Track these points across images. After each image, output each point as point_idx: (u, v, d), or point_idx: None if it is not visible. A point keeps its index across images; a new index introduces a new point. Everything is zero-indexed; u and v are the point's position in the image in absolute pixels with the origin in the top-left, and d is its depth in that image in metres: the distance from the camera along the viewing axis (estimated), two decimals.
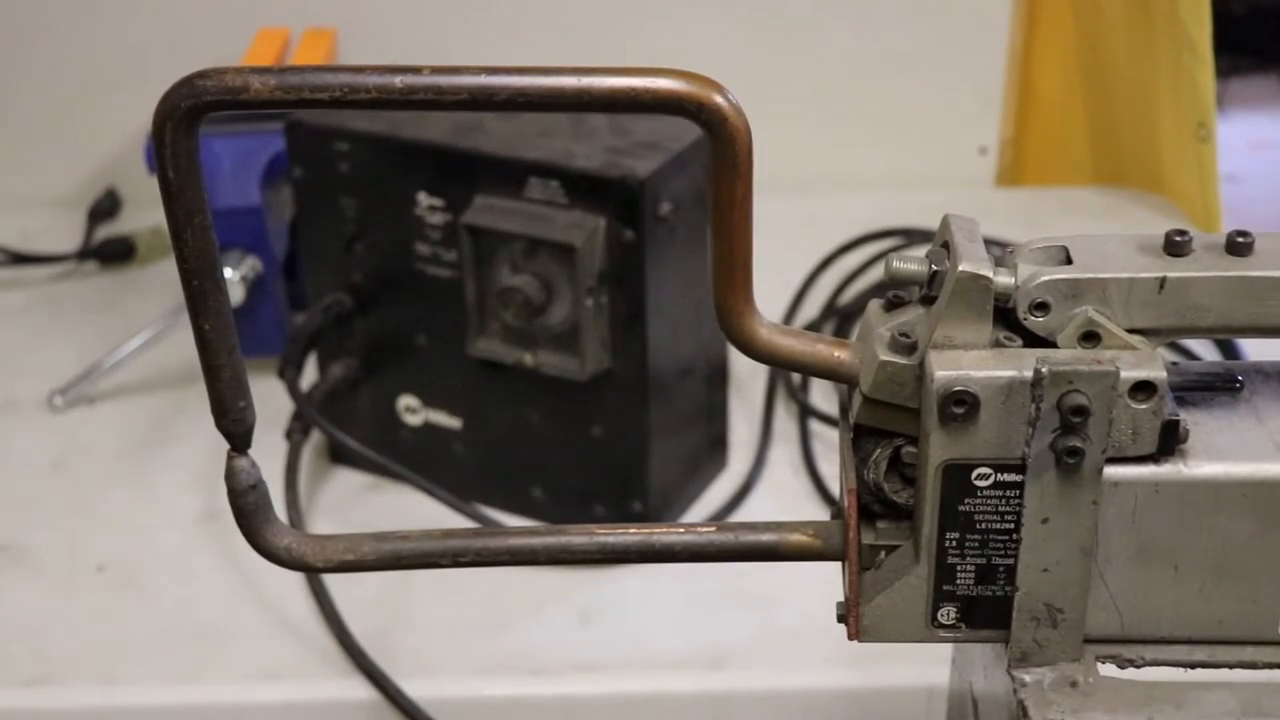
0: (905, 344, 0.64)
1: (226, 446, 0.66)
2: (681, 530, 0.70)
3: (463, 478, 1.25)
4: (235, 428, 0.65)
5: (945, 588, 0.67)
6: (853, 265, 1.60)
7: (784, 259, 1.58)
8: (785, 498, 1.28)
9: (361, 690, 1.08)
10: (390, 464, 1.22)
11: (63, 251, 1.67)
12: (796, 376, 1.40)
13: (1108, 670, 0.67)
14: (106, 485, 1.32)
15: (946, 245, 0.66)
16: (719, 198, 0.60)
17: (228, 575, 1.20)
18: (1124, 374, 0.62)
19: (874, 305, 0.68)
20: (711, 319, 0.64)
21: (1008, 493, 0.64)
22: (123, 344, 1.44)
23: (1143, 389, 0.62)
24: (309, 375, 1.27)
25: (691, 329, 1.20)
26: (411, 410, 1.26)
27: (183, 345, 1.40)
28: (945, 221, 0.67)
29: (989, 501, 0.65)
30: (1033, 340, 0.64)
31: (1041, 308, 0.64)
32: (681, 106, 0.57)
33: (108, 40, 1.74)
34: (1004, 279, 0.64)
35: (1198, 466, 0.64)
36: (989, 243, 0.65)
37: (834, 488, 1.27)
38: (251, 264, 1.39)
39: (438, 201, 1.16)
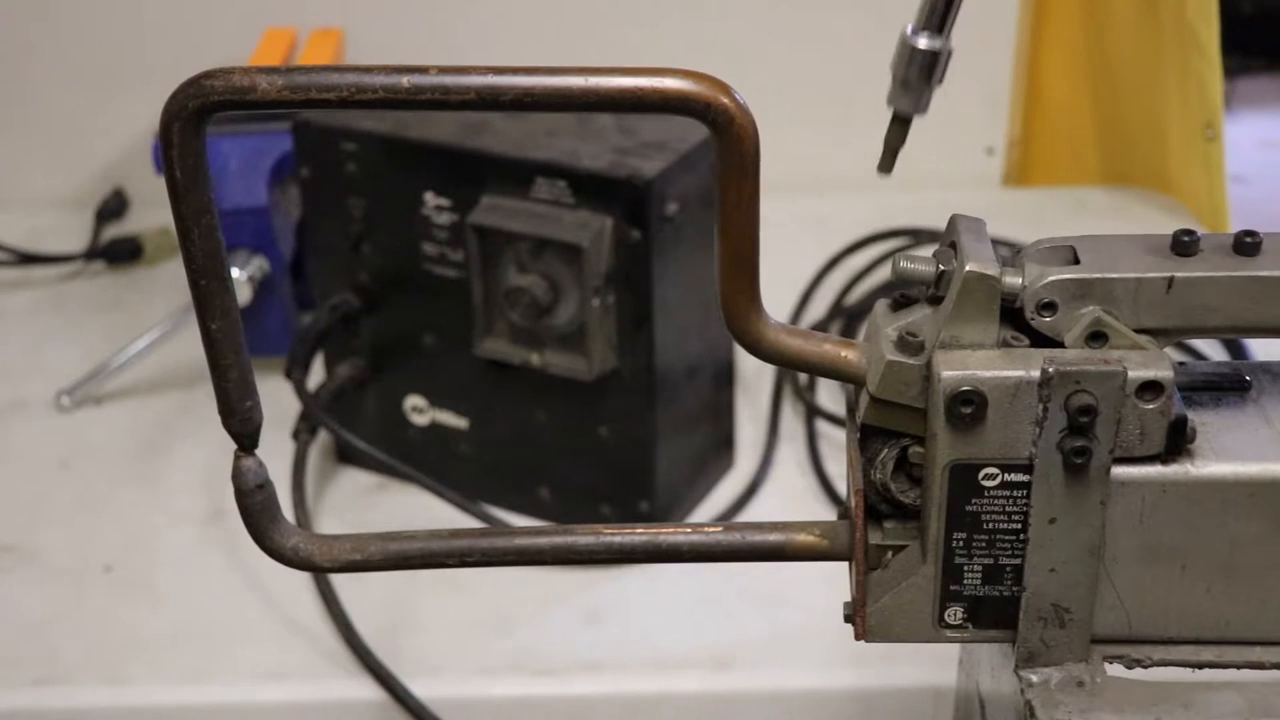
0: (912, 344, 0.64)
1: (233, 446, 0.66)
2: (688, 530, 0.70)
3: (469, 478, 1.25)
4: (242, 427, 0.65)
5: (952, 588, 0.67)
6: (860, 265, 1.60)
7: (791, 259, 1.58)
8: (792, 498, 1.28)
9: (368, 690, 1.08)
10: (397, 464, 1.22)
11: (70, 251, 1.67)
12: (803, 376, 1.39)
13: (1115, 670, 0.67)
14: (114, 485, 1.32)
15: (954, 245, 0.66)
16: (726, 198, 0.60)
17: (235, 575, 1.20)
18: (1131, 374, 0.62)
19: (881, 305, 0.68)
20: (718, 319, 0.64)
21: (1015, 493, 0.64)
22: (130, 344, 1.44)
23: (1150, 389, 0.62)
24: (316, 375, 1.27)
25: (698, 329, 1.20)
26: (418, 410, 1.26)
27: (190, 345, 1.40)
28: (952, 221, 0.67)
29: (996, 502, 0.65)
30: (1040, 340, 0.64)
31: (1049, 308, 0.64)
32: (688, 106, 0.57)
33: (115, 40, 1.75)
34: (1011, 279, 0.64)
35: (1205, 466, 0.64)
36: (996, 243, 0.65)
37: (841, 488, 1.27)
38: (259, 264, 1.39)
39: (445, 201, 1.16)
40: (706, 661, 1.11)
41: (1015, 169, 1.86)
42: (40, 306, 1.61)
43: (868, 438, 0.67)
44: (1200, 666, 0.67)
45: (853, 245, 1.63)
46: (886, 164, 0.65)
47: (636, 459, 1.18)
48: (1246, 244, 0.64)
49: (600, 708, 1.09)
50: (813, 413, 1.36)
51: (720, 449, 1.30)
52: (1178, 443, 0.64)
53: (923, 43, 0.63)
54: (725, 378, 1.28)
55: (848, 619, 0.69)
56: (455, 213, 1.15)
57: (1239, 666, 0.67)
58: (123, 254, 1.67)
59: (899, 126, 0.64)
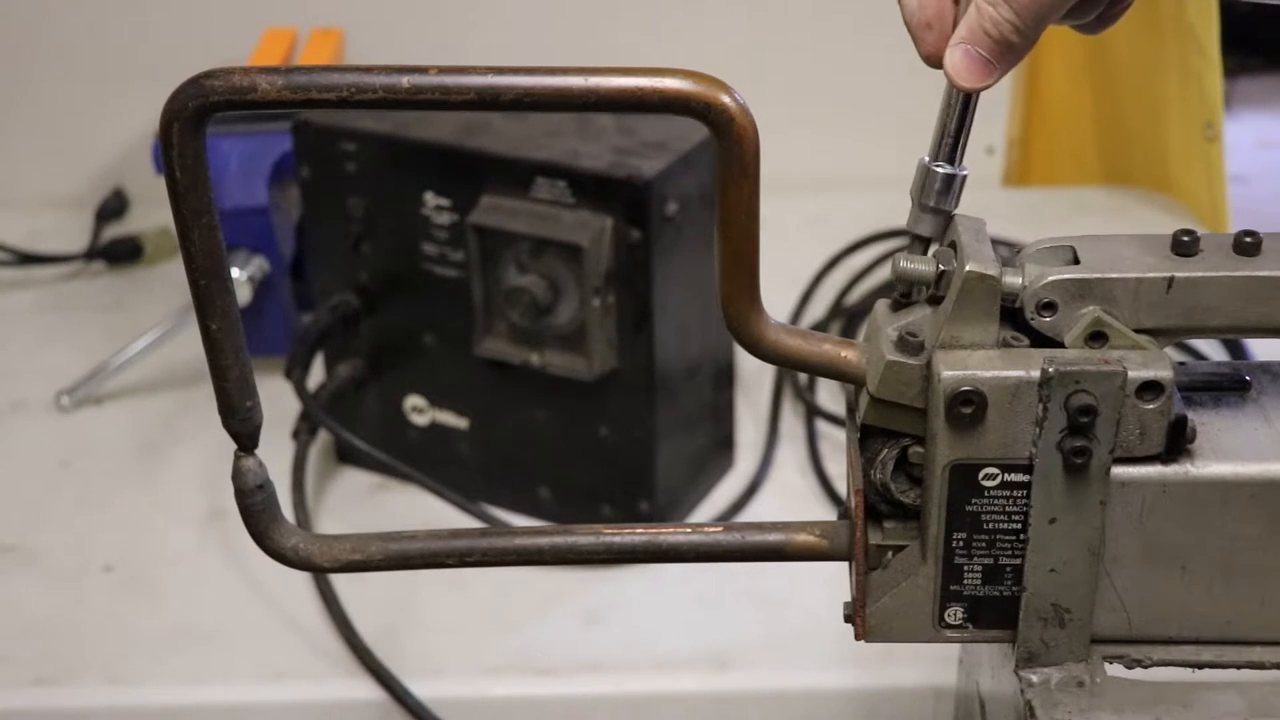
0: (912, 344, 0.64)
1: (233, 446, 0.66)
2: (688, 530, 0.70)
3: (469, 478, 1.25)
4: (243, 428, 0.65)
5: (952, 588, 0.67)
6: (860, 265, 1.60)
7: (791, 259, 1.58)
8: (792, 498, 1.28)
9: (368, 690, 1.08)
10: (397, 464, 1.22)
11: (70, 251, 1.67)
12: (803, 376, 1.39)
13: (1115, 670, 0.67)
14: (114, 485, 1.32)
15: (954, 245, 0.66)
16: (726, 197, 0.60)
17: (235, 575, 1.20)
18: (1131, 374, 0.62)
19: (881, 305, 0.68)
20: (718, 319, 0.64)
21: (1015, 493, 0.64)
22: (130, 344, 1.44)
23: (1150, 389, 0.62)
24: (316, 375, 1.27)
25: (698, 329, 1.20)
26: (418, 410, 1.26)
27: (190, 345, 1.40)
28: (953, 221, 0.67)
29: (996, 502, 0.65)
30: (1040, 340, 0.64)
31: (1049, 308, 0.64)
32: (689, 106, 0.57)
33: (115, 40, 1.74)
34: (1011, 279, 0.64)
35: (1205, 466, 0.64)
36: (996, 243, 0.66)
37: (841, 488, 1.27)
38: (259, 264, 1.39)
39: (444, 201, 1.16)
40: (706, 662, 1.11)
41: (1015, 169, 1.86)
42: (40, 307, 1.61)
43: (868, 438, 0.67)
44: (1200, 666, 0.67)
45: (853, 245, 1.63)
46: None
47: (636, 459, 1.18)
48: (1246, 244, 0.64)
49: (600, 708, 1.09)
50: (813, 413, 1.36)
51: (720, 449, 1.30)
52: (1178, 443, 0.64)
53: (940, 170, 0.67)
54: (725, 378, 1.28)
55: (848, 619, 0.69)
56: (455, 213, 1.15)
57: (1239, 666, 0.67)
58: (123, 254, 1.67)
59: (919, 245, 0.68)
